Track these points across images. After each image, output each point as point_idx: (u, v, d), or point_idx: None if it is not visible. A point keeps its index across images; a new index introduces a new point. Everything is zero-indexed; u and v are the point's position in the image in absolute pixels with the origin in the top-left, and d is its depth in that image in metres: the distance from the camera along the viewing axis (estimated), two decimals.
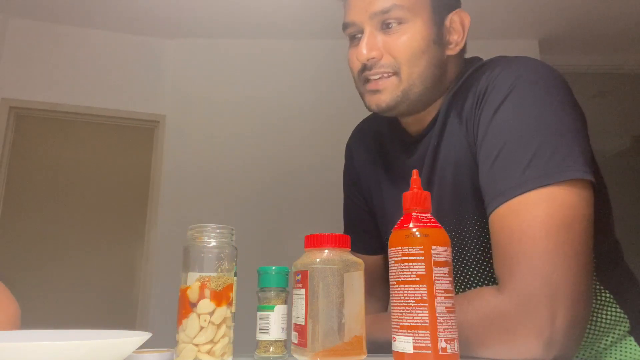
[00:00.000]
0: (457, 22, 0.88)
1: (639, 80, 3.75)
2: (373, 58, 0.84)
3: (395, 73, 0.85)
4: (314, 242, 0.62)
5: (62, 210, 3.16)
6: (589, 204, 0.69)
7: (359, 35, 0.88)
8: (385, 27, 0.84)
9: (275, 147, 3.24)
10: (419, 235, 0.56)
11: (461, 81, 0.86)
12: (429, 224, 0.58)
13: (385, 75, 0.85)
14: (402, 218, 0.60)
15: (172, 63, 3.40)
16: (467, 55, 0.93)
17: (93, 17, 3.24)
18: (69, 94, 3.26)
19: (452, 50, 0.88)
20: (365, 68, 0.86)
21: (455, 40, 0.88)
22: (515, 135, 0.72)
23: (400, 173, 0.96)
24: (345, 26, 0.90)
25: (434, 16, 0.86)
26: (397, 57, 0.84)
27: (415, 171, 0.63)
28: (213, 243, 0.62)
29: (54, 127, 3.30)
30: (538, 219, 0.66)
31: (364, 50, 0.84)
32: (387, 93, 0.86)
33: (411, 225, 0.58)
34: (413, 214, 0.59)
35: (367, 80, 0.88)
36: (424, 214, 0.59)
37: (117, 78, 3.36)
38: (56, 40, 3.31)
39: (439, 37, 0.86)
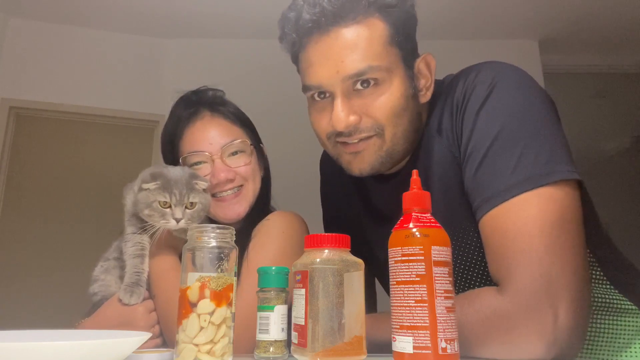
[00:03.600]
0: (424, 67, 0.84)
1: (639, 80, 3.75)
2: (351, 125, 0.78)
3: (377, 134, 0.80)
4: (314, 242, 0.62)
5: (62, 210, 3.16)
6: (576, 199, 0.69)
7: (323, 97, 0.82)
8: (359, 87, 0.78)
9: (275, 146, 3.23)
10: (419, 235, 0.56)
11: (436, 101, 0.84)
12: (429, 224, 0.58)
13: (365, 138, 0.80)
14: (402, 218, 0.60)
15: (172, 63, 3.40)
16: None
17: (93, 17, 3.24)
18: (69, 94, 3.26)
19: (424, 97, 0.84)
20: (341, 134, 0.80)
21: (424, 85, 0.84)
22: (499, 138, 0.71)
23: (378, 200, 0.94)
24: (307, 88, 0.83)
25: (407, 70, 0.81)
26: (378, 118, 0.79)
27: (415, 171, 0.63)
28: (213, 243, 0.62)
29: (54, 127, 3.30)
30: (531, 217, 0.66)
31: (342, 117, 0.78)
32: (369, 154, 0.81)
33: (411, 225, 0.58)
34: (413, 214, 0.59)
35: (342, 144, 0.82)
36: (424, 214, 0.59)
37: (117, 78, 3.36)
38: (56, 40, 3.31)
39: (414, 90, 0.82)
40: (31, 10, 3.18)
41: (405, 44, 0.81)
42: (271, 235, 0.95)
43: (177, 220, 0.87)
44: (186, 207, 0.89)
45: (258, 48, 3.46)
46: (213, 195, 0.99)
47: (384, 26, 0.78)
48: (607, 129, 3.95)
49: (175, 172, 0.91)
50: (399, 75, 0.80)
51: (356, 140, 0.81)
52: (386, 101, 0.78)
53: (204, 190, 0.93)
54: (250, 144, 1.04)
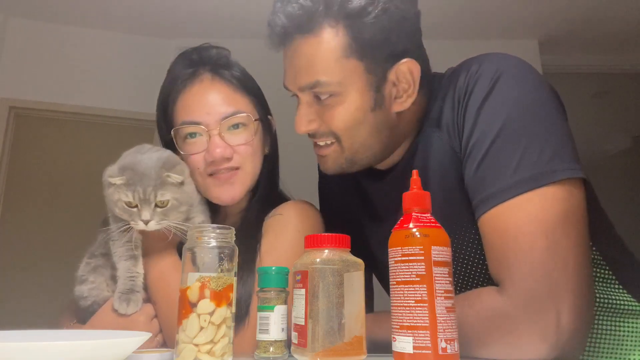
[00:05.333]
0: (406, 72, 0.78)
1: (639, 80, 3.74)
2: (310, 131, 0.82)
3: (336, 141, 0.81)
4: (314, 242, 0.62)
5: (62, 210, 3.16)
6: (580, 198, 0.68)
7: (297, 97, 0.84)
8: (318, 96, 0.79)
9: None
10: (419, 236, 0.56)
11: (435, 96, 0.83)
12: (429, 224, 0.58)
13: (328, 142, 0.82)
14: (402, 218, 0.60)
15: None
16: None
17: (93, 17, 3.24)
18: (69, 94, 3.26)
19: (401, 105, 0.80)
20: (309, 135, 0.84)
21: (405, 89, 0.79)
22: (502, 134, 0.70)
23: (375, 197, 0.93)
24: (285, 87, 0.85)
25: (371, 81, 0.77)
26: (334, 128, 0.80)
27: (415, 171, 0.62)
28: (213, 243, 0.62)
29: (54, 127, 3.30)
30: (533, 217, 0.65)
31: (300, 123, 0.81)
32: (330, 161, 0.84)
33: (411, 225, 0.58)
34: (413, 214, 0.59)
35: (314, 144, 0.85)
36: (424, 214, 0.59)
37: (117, 78, 3.36)
38: (56, 40, 3.31)
39: (379, 101, 0.79)
40: (31, 10, 3.18)
41: (373, 52, 0.76)
42: (285, 236, 0.88)
43: (146, 222, 0.76)
44: (157, 206, 0.77)
45: (258, 48, 3.46)
46: (208, 174, 0.90)
47: (341, 38, 0.75)
48: (607, 129, 3.95)
49: (147, 161, 0.79)
50: (356, 88, 0.77)
51: (322, 143, 0.83)
52: (341, 113, 0.78)
53: (182, 182, 0.80)
54: (255, 119, 0.93)
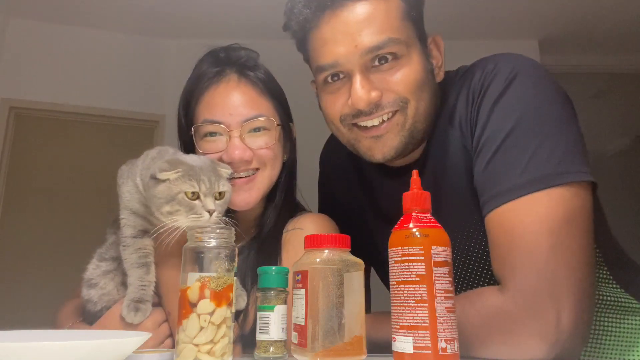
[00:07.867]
0: (434, 48, 0.84)
1: (639, 80, 3.74)
2: (373, 101, 0.76)
3: (400, 110, 0.78)
4: (314, 242, 0.62)
5: (62, 210, 3.16)
6: (587, 200, 0.68)
7: (337, 78, 0.80)
8: (377, 64, 0.77)
9: None
10: (419, 236, 0.56)
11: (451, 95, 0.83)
12: (429, 224, 0.58)
13: (386, 117, 0.78)
14: (402, 218, 0.60)
15: (172, 63, 3.40)
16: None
17: (93, 17, 3.24)
18: (69, 94, 3.26)
19: (438, 77, 0.84)
20: (360, 114, 0.78)
21: (437, 64, 0.84)
22: (513, 133, 0.70)
23: (388, 197, 0.91)
24: (320, 69, 0.80)
25: (422, 47, 0.81)
26: (401, 91, 0.77)
27: (415, 171, 0.62)
28: (213, 243, 0.62)
29: (54, 127, 3.30)
30: (539, 217, 0.65)
31: (362, 93, 0.75)
32: (393, 136, 0.79)
33: (411, 225, 0.58)
34: (413, 214, 0.59)
35: (361, 128, 0.80)
36: (424, 214, 0.59)
37: (117, 78, 3.36)
38: (56, 40, 3.31)
39: (431, 66, 0.82)
40: (31, 10, 3.18)
41: (418, 22, 0.82)
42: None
43: (211, 212, 0.72)
44: (214, 198, 0.75)
45: (258, 49, 3.46)
46: None
47: (398, 1, 0.79)
48: (607, 129, 3.94)
49: (192, 158, 0.78)
50: (416, 49, 0.79)
51: (377, 122, 0.78)
52: (408, 73, 0.77)
53: (228, 179, 0.79)
54: (278, 124, 0.90)
